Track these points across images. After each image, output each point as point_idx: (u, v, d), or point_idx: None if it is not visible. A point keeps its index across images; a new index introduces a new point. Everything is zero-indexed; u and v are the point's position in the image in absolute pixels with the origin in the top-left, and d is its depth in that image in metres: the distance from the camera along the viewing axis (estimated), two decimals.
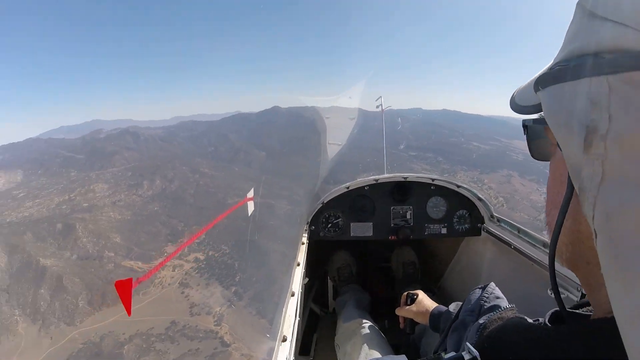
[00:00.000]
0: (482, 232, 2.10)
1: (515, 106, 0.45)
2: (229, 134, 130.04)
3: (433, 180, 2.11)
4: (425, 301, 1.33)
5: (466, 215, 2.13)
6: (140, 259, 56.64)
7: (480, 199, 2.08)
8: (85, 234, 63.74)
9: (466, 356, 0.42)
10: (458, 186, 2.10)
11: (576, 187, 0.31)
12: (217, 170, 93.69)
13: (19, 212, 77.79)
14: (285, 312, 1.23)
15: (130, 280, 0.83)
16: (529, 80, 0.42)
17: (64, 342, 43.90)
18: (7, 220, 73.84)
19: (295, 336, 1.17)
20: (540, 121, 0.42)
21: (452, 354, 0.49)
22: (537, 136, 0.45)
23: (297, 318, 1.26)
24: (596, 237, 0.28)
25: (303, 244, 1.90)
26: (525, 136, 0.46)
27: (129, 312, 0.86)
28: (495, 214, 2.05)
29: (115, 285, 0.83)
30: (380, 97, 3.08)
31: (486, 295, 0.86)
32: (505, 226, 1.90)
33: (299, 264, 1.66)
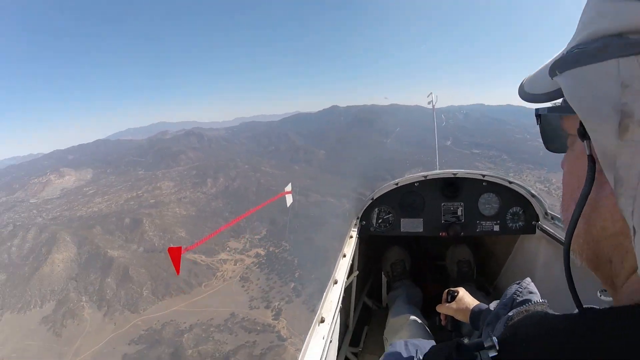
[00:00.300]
0: (537, 230, 2.00)
1: (525, 94, 0.42)
2: (289, 133, 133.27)
3: (484, 176, 2.03)
4: (466, 298, 1.30)
5: (520, 212, 2.03)
6: (204, 253, 59.19)
7: (533, 196, 1.99)
8: (152, 228, 67.27)
9: (486, 343, 0.43)
10: (510, 182, 2.01)
11: (609, 179, 0.29)
12: (278, 169, 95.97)
13: (89, 207, 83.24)
14: (326, 297, 1.27)
15: (179, 248, 0.98)
16: (538, 69, 0.41)
17: (127, 327, 46.49)
18: (78, 214, 79.06)
19: (336, 321, 1.19)
20: (556, 109, 0.39)
21: (474, 340, 0.50)
22: (552, 126, 0.42)
23: (339, 304, 1.28)
24: (634, 234, 0.25)
25: (351, 237, 1.92)
26: (538, 126, 0.44)
27: (178, 271, 1.00)
28: (549, 212, 1.96)
29: (168, 250, 0.97)
30: (431, 93, 3.12)
31: (520, 290, 0.87)
32: (560, 224, 1.81)
33: (344, 256, 1.66)
